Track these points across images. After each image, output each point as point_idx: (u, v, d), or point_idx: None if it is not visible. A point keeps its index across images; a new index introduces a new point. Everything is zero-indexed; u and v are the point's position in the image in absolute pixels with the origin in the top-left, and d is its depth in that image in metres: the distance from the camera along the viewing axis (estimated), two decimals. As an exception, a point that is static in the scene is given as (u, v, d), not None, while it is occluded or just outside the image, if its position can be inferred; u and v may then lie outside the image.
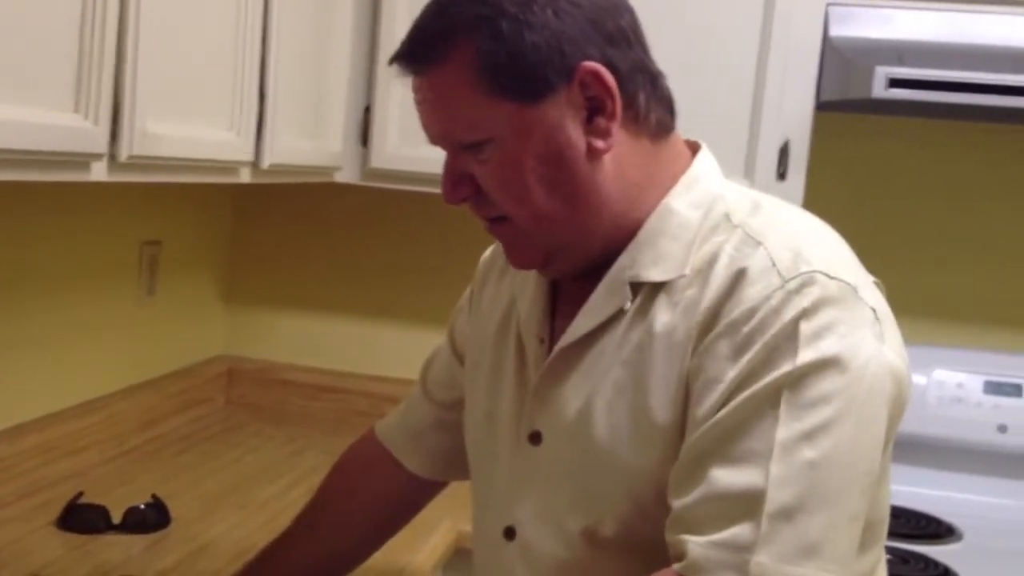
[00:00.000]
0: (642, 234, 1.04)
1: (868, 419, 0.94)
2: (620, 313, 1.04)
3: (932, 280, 2.29)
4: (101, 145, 1.21)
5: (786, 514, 0.89)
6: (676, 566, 0.92)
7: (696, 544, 0.91)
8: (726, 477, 0.91)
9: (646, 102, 1.03)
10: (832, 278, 0.95)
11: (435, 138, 1.05)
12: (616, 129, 1.01)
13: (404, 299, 2.46)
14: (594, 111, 1.00)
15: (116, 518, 1.65)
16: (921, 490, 2.11)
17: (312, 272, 2.51)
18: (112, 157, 1.25)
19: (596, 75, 0.99)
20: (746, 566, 0.89)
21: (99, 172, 1.24)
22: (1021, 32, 1.91)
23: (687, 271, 1.01)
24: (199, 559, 1.58)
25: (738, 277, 0.97)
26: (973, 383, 2.19)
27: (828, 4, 1.97)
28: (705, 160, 1.09)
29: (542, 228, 1.04)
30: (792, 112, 1.99)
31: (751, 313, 0.95)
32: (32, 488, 1.75)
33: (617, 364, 1.03)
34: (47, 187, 1.68)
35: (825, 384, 0.92)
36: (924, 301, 2.28)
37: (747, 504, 0.90)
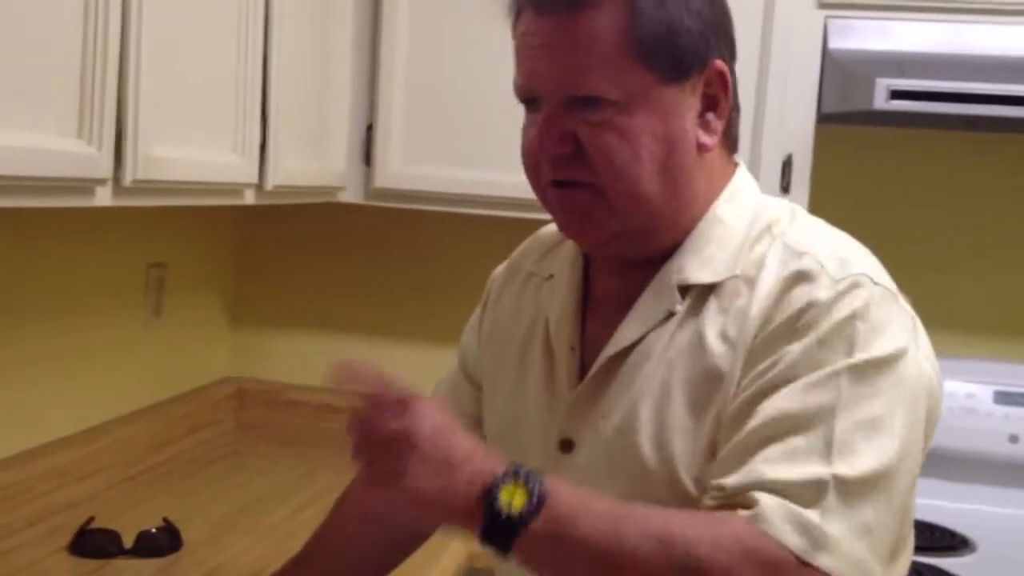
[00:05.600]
0: (690, 240, 1.05)
1: (912, 420, 0.96)
2: (668, 317, 1.04)
3: (939, 290, 2.28)
4: (105, 170, 1.22)
5: (845, 496, 0.90)
6: (744, 513, 0.90)
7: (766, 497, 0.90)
8: (783, 471, 0.91)
9: (735, 115, 1.07)
10: (876, 283, 0.98)
11: (547, 86, 1.01)
12: (720, 131, 1.04)
13: (410, 318, 2.46)
14: (707, 108, 1.02)
15: (128, 542, 1.65)
16: (934, 502, 2.08)
17: (318, 292, 2.51)
18: (116, 182, 1.25)
19: (722, 75, 1.02)
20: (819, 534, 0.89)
21: (103, 197, 1.24)
22: (1021, 42, 1.91)
23: (737, 271, 1.02)
24: (210, 582, 1.58)
25: (788, 281, 0.99)
26: (983, 394, 2.18)
27: (827, 16, 1.97)
28: (745, 174, 1.11)
29: (629, 205, 1.02)
30: (794, 125, 1.99)
31: (803, 312, 0.96)
32: (42, 514, 1.74)
33: (663, 366, 1.03)
34: (52, 211, 1.68)
35: (878, 382, 0.93)
36: (932, 312, 2.23)
37: (809, 490, 0.90)
